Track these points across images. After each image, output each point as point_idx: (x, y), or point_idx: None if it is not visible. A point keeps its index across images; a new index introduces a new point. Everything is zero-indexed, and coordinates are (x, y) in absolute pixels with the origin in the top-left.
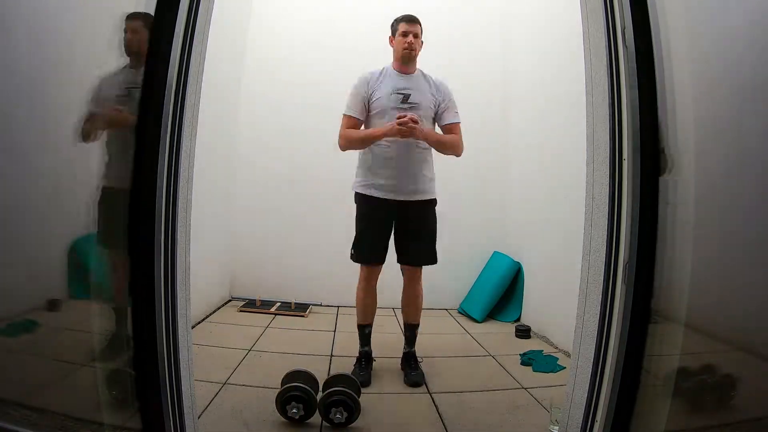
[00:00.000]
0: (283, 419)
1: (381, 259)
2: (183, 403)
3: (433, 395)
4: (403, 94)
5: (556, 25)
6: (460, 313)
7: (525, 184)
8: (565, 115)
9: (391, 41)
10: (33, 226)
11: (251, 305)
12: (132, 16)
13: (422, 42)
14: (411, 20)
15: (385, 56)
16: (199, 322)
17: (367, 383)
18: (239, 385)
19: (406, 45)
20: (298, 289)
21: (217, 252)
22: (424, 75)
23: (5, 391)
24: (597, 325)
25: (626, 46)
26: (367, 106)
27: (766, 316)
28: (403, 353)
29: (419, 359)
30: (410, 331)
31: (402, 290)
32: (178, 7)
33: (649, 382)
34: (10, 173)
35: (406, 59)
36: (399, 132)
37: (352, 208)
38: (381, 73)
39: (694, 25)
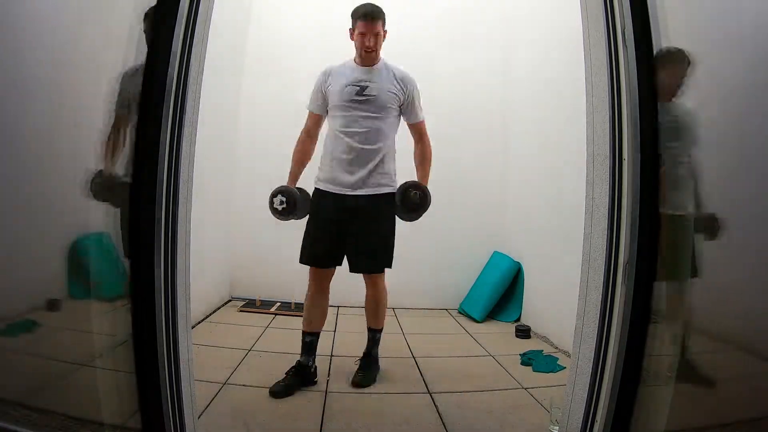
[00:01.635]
0: (281, 419)
1: (334, 261)
2: (183, 403)
3: (433, 395)
4: (359, 86)
5: (556, 26)
6: (460, 313)
7: (525, 184)
8: (565, 116)
9: (351, 34)
10: (33, 226)
11: (251, 305)
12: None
13: (386, 32)
14: (370, 19)
15: (385, 55)
16: (199, 322)
17: (281, 394)
18: (239, 385)
19: (365, 47)
20: (298, 289)
21: (217, 252)
22: (386, 66)
23: (5, 391)
24: (597, 325)
25: (626, 46)
26: (326, 100)
27: (766, 316)
28: (365, 351)
29: (377, 356)
30: (370, 333)
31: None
32: (178, 7)
33: (649, 382)
34: (10, 173)
35: (366, 59)
36: None
37: None
38: (342, 65)
39: (694, 25)
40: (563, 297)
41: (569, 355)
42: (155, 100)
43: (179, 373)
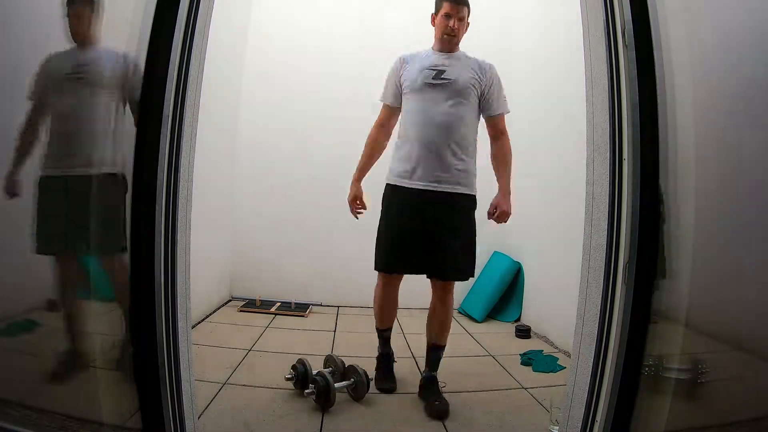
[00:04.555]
0: (281, 419)
1: (409, 269)
2: (183, 403)
3: None
4: (436, 69)
5: (556, 25)
6: (460, 313)
7: (525, 184)
8: (565, 115)
9: (432, 19)
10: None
11: (251, 305)
12: (72, 1)
13: (468, 23)
14: (457, 1)
15: (384, 57)
16: (199, 322)
17: (392, 390)
18: (239, 385)
19: (448, 29)
20: (298, 289)
21: (217, 252)
22: (466, 55)
23: (5, 391)
24: (597, 325)
25: (626, 46)
26: (400, 88)
27: (766, 316)
28: (422, 378)
29: (442, 385)
30: (433, 353)
31: (430, 304)
32: (178, 7)
33: (649, 382)
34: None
35: (446, 43)
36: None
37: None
38: (418, 53)
39: (694, 25)
40: (563, 297)
41: (569, 355)
42: (155, 100)
43: (179, 373)
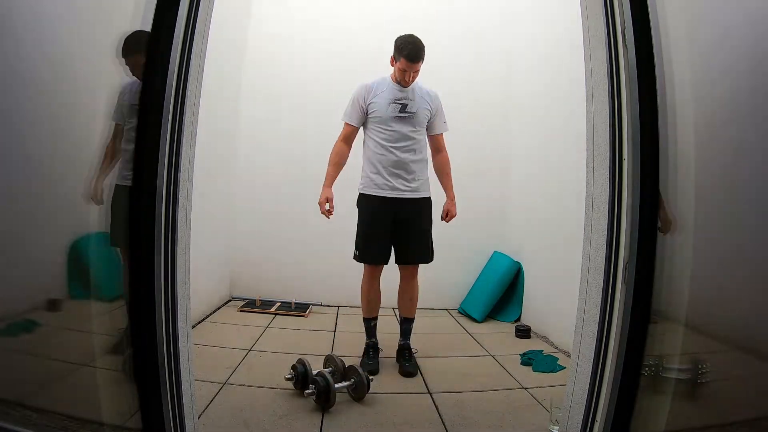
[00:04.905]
0: (281, 419)
1: (385, 259)
2: (183, 403)
3: (433, 395)
4: (401, 104)
5: (556, 26)
6: (460, 313)
7: (525, 184)
8: (566, 116)
9: (392, 61)
10: (33, 226)
11: (251, 305)
12: (128, 52)
13: (420, 68)
14: (413, 60)
15: (383, 57)
16: (199, 322)
17: (375, 371)
18: (239, 385)
19: (404, 81)
20: (298, 289)
21: (217, 252)
22: (420, 87)
23: (5, 391)
24: (597, 325)
25: (626, 46)
26: (365, 113)
27: (765, 316)
28: (399, 345)
29: (413, 350)
30: (407, 324)
31: (398, 286)
32: (178, 6)
33: (649, 382)
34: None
35: (402, 84)
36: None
37: (352, 208)
38: (380, 83)
39: (694, 25)
40: (563, 297)
41: (569, 355)
42: (155, 100)
43: (179, 373)
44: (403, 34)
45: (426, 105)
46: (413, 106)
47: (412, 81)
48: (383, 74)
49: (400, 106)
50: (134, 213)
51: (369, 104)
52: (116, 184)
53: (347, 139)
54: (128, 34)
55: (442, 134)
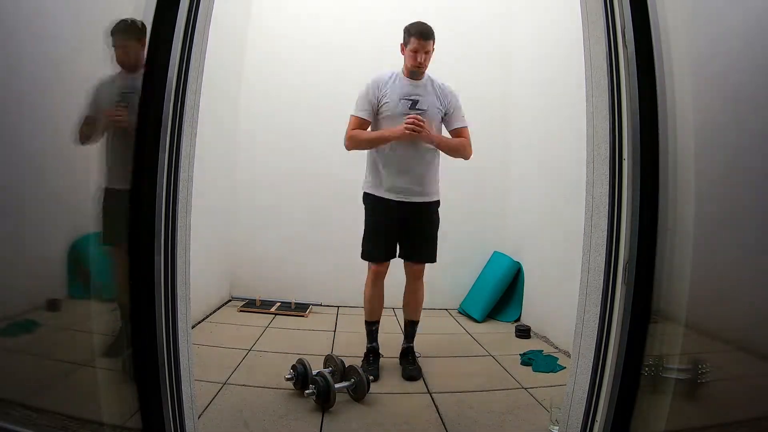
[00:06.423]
0: (281, 419)
1: (391, 256)
2: (183, 403)
3: (433, 395)
4: (411, 100)
5: (556, 25)
6: (460, 313)
7: (525, 184)
8: (565, 115)
9: (402, 49)
10: (33, 226)
11: (251, 305)
12: (118, 32)
13: (433, 49)
14: (424, 36)
15: (382, 56)
16: (199, 322)
17: (375, 378)
18: (239, 385)
19: (416, 63)
20: (298, 289)
21: (217, 252)
22: (431, 80)
23: (5, 391)
24: (597, 325)
25: (626, 47)
26: (375, 109)
27: (765, 316)
28: (402, 348)
29: (417, 354)
30: (411, 327)
31: (404, 288)
32: (178, 6)
33: (649, 382)
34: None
35: (414, 73)
36: (407, 135)
37: (352, 208)
38: (391, 78)
39: (694, 25)
40: (563, 297)
41: (569, 355)
42: (155, 99)
43: (179, 373)
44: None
45: (437, 103)
46: (424, 103)
47: (426, 64)
48: (393, 68)
49: (411, 102)
50: (134, 213)
51: (380, 98)
52: (105, 187)
53: (357, 133)
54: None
55: (463, 128)
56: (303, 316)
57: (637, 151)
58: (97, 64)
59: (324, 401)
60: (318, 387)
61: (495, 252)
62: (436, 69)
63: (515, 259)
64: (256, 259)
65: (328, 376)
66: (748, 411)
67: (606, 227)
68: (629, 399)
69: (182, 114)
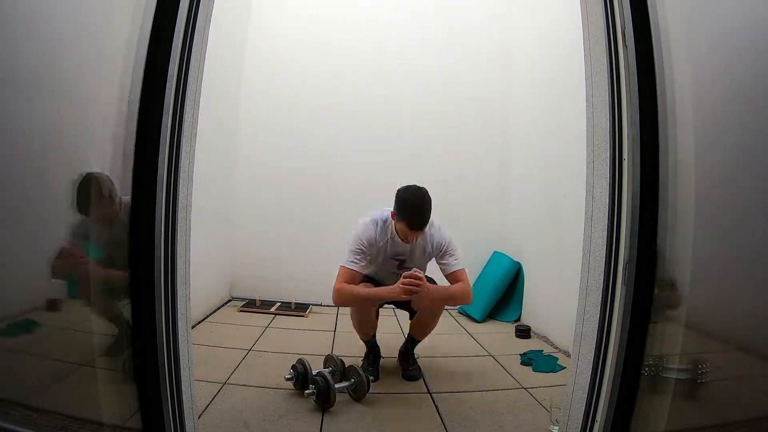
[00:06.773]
0: (281, 419)
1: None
2: (183, 403)
3: (433, 395)
4: (398, 260)
5: (556, 25)
6: (460, 313)
7: (525, 184)
8: (565, 115)
9: (393, 215)
10: (33, 226)
11: (251, 305)
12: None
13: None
14: (417, 228)
15: (382, 56)
16: (199, 322)
17: (376, 378)
18: (239, 385)
19: (407, 240)
20: (298, 289)
21: (217, 252)
22: (425, 235)
23: (5, 391)
24: (597, 325)
25: (626, 47)
26: (366, 261)
27: (765, 316)
28: (403, 348)
29: (416, 356)
30: (411, 342)
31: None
32: (178, 6)
33: (649, 382)
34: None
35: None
36: (404, 292)
37: (351, 208)
38: (381, 234)
39: (694, 25)
40: (563, 297)
41: (569, 355)
42: (155, 99)
43: (179, 373)
44: (408, 185)
45: (426, 257)
46: (412, 261)
47: (417, 242)
48: (386, 212)
49: (398, 262)
50: (134, 213)
51: (368, 255)
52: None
53: (350, 283)
54: (79, 181)
55: (459, 271)
56: (303, 316)
57: (637, 151)
58: (96, 65)
59: (324, 401)
60: (318, 387)
61: (495, 252)
62: (436, 70)
63: (515, 259)
64: (256, 259)
65: (328, 376)
66: (748, 411)
67: (606, 227)
68: (629, 399)
69: (182, 114)
